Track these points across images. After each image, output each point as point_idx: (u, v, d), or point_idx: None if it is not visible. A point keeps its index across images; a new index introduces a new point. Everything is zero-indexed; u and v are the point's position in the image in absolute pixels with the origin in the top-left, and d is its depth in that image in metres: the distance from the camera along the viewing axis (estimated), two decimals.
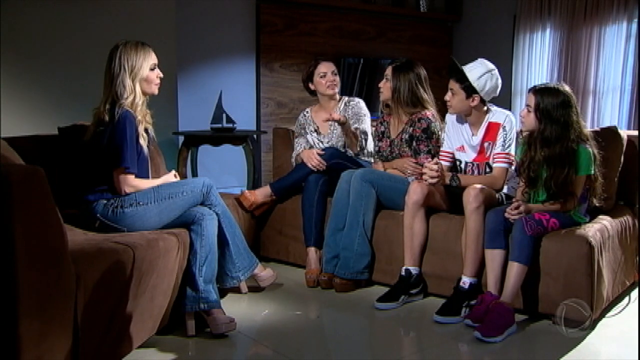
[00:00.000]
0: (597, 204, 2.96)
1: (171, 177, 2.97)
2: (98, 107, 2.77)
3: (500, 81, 3.16)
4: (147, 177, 2.88)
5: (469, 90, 3.09)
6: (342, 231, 3.36)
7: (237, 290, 3.22)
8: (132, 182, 2.73)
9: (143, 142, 2.79)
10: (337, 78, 3.83)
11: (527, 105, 2.89)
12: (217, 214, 2.86)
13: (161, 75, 2.87)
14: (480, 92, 3.09)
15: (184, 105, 4.89)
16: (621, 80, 5.39)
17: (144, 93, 2.82)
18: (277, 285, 3.37)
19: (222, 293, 3.12)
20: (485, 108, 3.20)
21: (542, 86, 2.91)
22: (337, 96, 3.88)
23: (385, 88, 3.56)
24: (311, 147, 3.81)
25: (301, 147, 3.81)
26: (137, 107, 2.76)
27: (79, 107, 3.02)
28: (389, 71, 3.54)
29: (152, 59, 2.81)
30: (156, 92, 2.86)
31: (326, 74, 3.79)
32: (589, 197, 2.93)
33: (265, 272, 3.22)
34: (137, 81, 2.76)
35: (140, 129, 2.77)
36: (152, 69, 2.81)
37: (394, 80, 3.50)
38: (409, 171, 3.39)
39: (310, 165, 3.59)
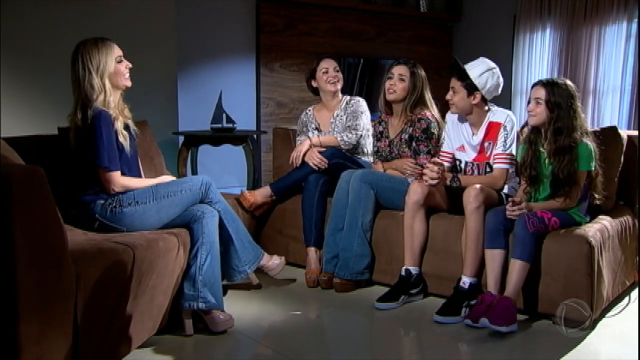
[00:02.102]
0: (598, 202, 2.97)
1: (168, 177, 2.96)
2: (71, 114, 2.73)
3: (501, 80, 3.18)
4: (137, 175, 2.87)
5: (471, 88, 3.11)
6: (342, 231, 3.36)
7: (246, 285, 3.24)
8: (120, 181, 2.70)
9: (123, 140, 2.74)
10: (340, 75, 3.83)
11: (536, 98, 2.90)
12: (217, 211, 2.86)
13: (130, 65, 2.80)
14: (481, 89, 3.10)
15: (184, 105, 4.88)
16: (621, 80, 5.39)
17: (117, 87, 2.76)
18: (278, 285, 3.37)
19: (225, 290, 3.13)
20: (486, 108, 3.20)
21: (550, 79, 2.95)
22: (340, 95, 3.88)
23: (399, 88, 3.50)
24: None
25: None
26: (110, 104, 2.71)
27: None
28: (404, 71, 3.50)
29: (115, 52, 2.75)
30: (129, 84, 2.80)
31: (328, 70, 3.79)
32: (590, 194, 2.94)
33: (272, 262, 3.21)
34: (105, 78, 2.70)
35: (118, 125, 2.72)
36: (118, 62, 2.75)
37: (412, 81, 3.49)
38: (408, 172, 3.38)
39: (311, 164, 3.59)
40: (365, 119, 3.79)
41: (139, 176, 2.90)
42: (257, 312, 3.06)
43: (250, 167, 4.73)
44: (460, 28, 6.78)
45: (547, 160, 2.90)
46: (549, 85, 2.90)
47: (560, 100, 2.85)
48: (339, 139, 3.69)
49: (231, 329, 2.73)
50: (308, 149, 3.64)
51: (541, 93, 2.89)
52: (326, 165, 3.57)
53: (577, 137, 2.85)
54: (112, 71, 2.73)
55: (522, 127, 3.10)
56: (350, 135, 3.69)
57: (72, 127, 2.75)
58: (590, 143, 2.87)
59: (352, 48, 6.02)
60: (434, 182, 3.03)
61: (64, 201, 2.41)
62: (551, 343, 2.68)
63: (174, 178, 2.98)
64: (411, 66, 3.52)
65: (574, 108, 2.86)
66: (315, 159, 3.59)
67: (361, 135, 3.74)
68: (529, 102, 2.97)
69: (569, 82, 2.92)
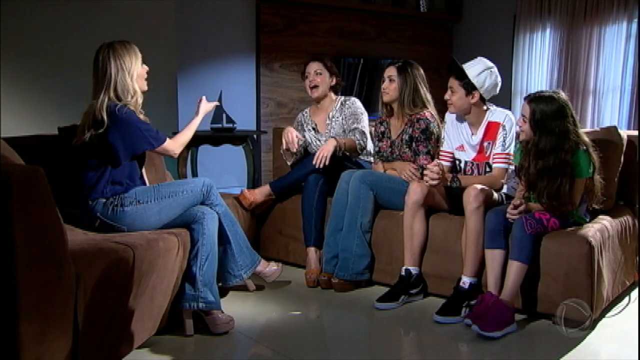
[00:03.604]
0: (596, 208, 2.96)
1: (204, 103, 3.17)
2: (90, 109, 2.73)
3: (499, 79, 3.18)
4: (139, 176, 2.88)
5: (469, 87, 3.11)
6: (342, 231, 3.36)
7: (244, 288, 3.25)
8: (172, 145, 2.88)
9: None
10: (322, 77, 3.78)
11: (523, 115, 2.87)
12: (217, 213, 2.86)
13: (147, 68, 2.87)
14: (479, 88, 3.10)
15: (184, 105, 4.89)
16: (621, 80, 5.39)
17: (141, 90, 2.81)
18: (278, 285, 3.37)
19: (224, 292, 3.13)
20: (485, 107, 3.20)
21: (537, 95, 2.85)
22: (333, 95, 3.87)
23: (391, 89, 3.52)
24: (308, 145, 3.81)
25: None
26: (139, 107, 2.79)
27: (79, 107, 3.02)
28: (392, 72, 3.51)
29: (139, 53, 2.82)
30: (146, 87, 2.87)
31: (309, 75, 3.79)
32: (589, 201, 2.92)
33: (269, 268, 3.22)
34: (134, 80, 2.76)
35: None
36: (142, 64, 2.83)
37: (400, 80, 3.50)
38: (405, 176, 3.37)
39: (314, 162, 3.50)
40: (365, 119, 3.79)
41: (141, 177, 2.91)
42: (257, 312, 3.06)
43: (250, 167, 4.73)
44: (460, 28, 6.78)
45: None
46: (534, 101, 2.80)
47: (544, 119, 2.76)
48: (356, 142, 3.67)
49: (231, 329, 2.73)
50: (334, 150, 3.54)
51: (526, 110, 2.83)
52: (326, 163, 3.52)
53: (564, 157, 2.75)
54: (140, 73, 2.79)
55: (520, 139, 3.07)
56: (365, 140, 3.68)
57: (88, 123, 2.72)
58: (586, 152, 2.80)
59: (352, 48, 6.02)
60: (435, 182, 3.03)
61: (64, 201, 2.41)
62: (551, 343, 2.68)
63: (207, 102, 3.17)
64: (399, 65, 3.52)
65: (561, 128, 2.76)
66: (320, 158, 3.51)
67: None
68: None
69: (559, 96, 2.80)
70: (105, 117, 2.67)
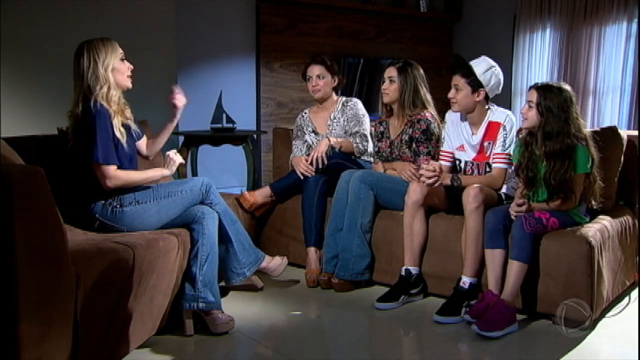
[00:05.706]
0: (595, 207, 2.96)
1: (160, 171, 2.87)
2: (71, 109, 2.73)
3: (502, 78, 3.20)
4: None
5: (475, 85, 3.11)
6: (342, 231, 3.36)
7: (252, 288, 3.25)
8: (114, 174, 2.65)
9: (120, 136, 2.73)
10: (324, 81, 3.78)
11: (529, 101, 2.89)
12: (217, 212, 2.86)
13: (131, 67, 2.83)
14: (485, 86, 3.11)
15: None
16: (621, 80, 5.40)
17: (119, 85, 2.77)
18: (278, 285, 3.37)
19: (225, 292, 3.12)
20: (486, 107, 3.20)
21: (544, 83, 2.93)
22: (334, 96, 3.88)
23: (391, 90, 3.51)
24: (309, 147, 3.81)
25: (298, 150, 3.82)
26: (112, 99, 2.72)
27: None
28: (393, 72, 3.51)
29: (119, 50, 2.78)
30: (129, 85, 2.82)
31: (311, 78, 3.79)
32: (588, 199, 2.93)
33: (273, 263, 3.19)
34: (109, 71, 2.71)
35: (116, 122, 2.71)
36: (121, 59, 2.78)
37: (401, 81, 3.49)
38: (404, 175, 3.37)
39: (298, 172, 3.60)
40: (367, 121, 3.79)
41: None
42: (257, 312, 3.06)
43: (250, 167, 4.73)
44: (460, 28, 6.78)
45: (542, 163, 2.89)
46: (541, 89, 2.87)
47: (551, 105, 2.82)
48: (354, 145, 3.68)
49: (231, 329, 2.73)
50: (327, 149, 3.59)
51: (533, 96, 2.87)
52: (313, 173, 3.57)
53: (570, 142, 2.80)
54: (116, 67, 2.74)
55: (519, 130, 3.09)
56: (365, 144, 3.69)
57: (71, 123, 2.74)
58: (586, 147, 2.83)
59: (352, 48, 6.02)
60: (431, 182, 3.03)
61: (64, 201, 2.41)
62: (551, 343, 2.68)
63: (165, 171, 2.90)
64: (399, 66, 3.52)
65: (568, 113, 2.82)
66: (302, 167, 3.59)
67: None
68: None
69: (565, 87, 2.88)
70: (80, 114, 2.67)
